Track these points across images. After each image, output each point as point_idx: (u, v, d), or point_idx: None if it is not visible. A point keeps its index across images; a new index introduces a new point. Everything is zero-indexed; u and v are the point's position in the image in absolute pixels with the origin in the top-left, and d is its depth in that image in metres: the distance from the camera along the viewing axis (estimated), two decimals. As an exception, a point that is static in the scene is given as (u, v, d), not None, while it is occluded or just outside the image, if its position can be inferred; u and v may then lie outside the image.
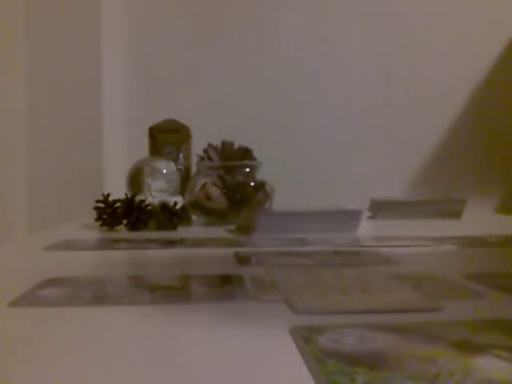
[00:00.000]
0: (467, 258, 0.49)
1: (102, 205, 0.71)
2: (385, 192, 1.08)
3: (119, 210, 0.71)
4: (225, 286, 0.34)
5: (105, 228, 0.71)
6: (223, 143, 0.84)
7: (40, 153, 1.02)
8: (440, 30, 1.17)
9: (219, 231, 0.70)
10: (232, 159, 0.82)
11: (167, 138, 0.88)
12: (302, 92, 1.17)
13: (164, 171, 0.78)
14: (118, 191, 0.78)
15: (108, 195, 0.72)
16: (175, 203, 0.72)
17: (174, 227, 0.71)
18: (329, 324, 0.25)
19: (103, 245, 0.58)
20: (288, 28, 1.16)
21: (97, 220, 0.71)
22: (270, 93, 1.16)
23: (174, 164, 0.81)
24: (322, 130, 1.17)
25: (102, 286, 0.34)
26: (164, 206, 0.72)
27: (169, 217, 0.71)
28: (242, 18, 1.16)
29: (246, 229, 0.67)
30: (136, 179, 0.78)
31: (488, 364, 0.19)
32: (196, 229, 0.75)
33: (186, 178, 0.86)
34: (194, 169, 0.87)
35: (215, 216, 0.78)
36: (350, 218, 0.67)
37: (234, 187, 0.78)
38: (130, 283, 0.36)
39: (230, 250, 0.51)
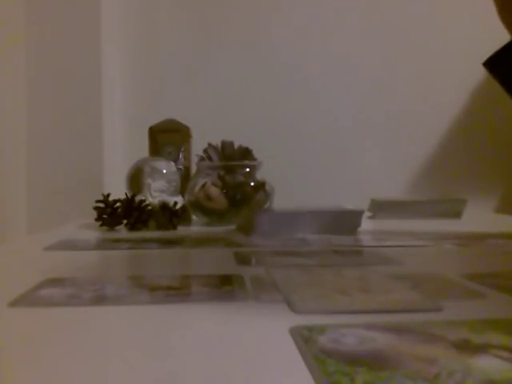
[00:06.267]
0: (467, 258, 0.49)
1: (101, 205, 0.71)
2: (385, 192, 1.08)
3: (119, 210, 0.71)
4: (225, 286, 0.34)
5: (105, 228, 0.71)
6: (223, 143, 0.84)
7: (40, 153, 1.02)
8: (440, 30, 1.17)
9: (219, 231, 0.70)
10: (232, 159, 0.82)
11: (167, 137, 0.88)
12: (302, 92, 1.17)
13: (164, 171, 0.78)
14: (118, 191, 0.78)
15: (108, 195, 0.72)
16: (175, 203, 0.72)
17: (174, 227, 0.71)
18: (329, 324, 0.25)
19: (103, 245, 0.58)
20: (289, 28, 1.16)
21: (97, 220, 0.71)
22: (270, 93, 1.16)
23: (174, 164, 0.81)
24: (322, 129, 1.17)
25: (102, 285, 0.34)
26: (164, 206, 0.72)
27: (169, 217, 0.71)
28: (242, 18, 1.16)
29: (246, 229, 0.67)
30: (136, 179, 0.78)
31: (488, 364, 0.19)
32: (196, 229, 0.75)
33: (185, 177, 0.86)
34: (194, 169, 0.87)
35: (215, 216, 0.78)
36: (351, 218, 0.67)
37: (234, 187, 0.78)
38: (130, 283, 0.36)
39: (230, 250, 0.51)
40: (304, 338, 0.22)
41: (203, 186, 0.78)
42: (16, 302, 0.30)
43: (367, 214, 0.88)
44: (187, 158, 0.89)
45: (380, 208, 0.90)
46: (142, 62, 1.15)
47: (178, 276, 0.39)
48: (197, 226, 0.77)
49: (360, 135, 1.17)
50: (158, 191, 0.76)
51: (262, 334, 0.24)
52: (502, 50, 0.48)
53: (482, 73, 1.16)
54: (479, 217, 0.96)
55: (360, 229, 0.67)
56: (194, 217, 0.81)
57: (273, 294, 0.32)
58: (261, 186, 0.79)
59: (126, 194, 0.73)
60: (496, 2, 0.48)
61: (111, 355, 0.22)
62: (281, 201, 0.81)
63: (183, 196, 0.80)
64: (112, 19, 1.09)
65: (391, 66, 1.18)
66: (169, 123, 0.90)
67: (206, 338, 0.24)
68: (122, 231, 0.70)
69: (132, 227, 0.70)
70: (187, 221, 0.79)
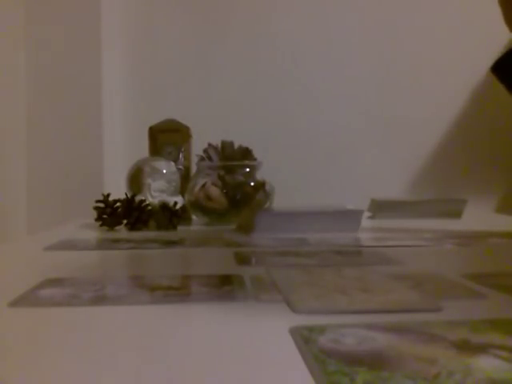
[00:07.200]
0: (467, 258, 0.49)
1: (101, 205, 0.71)
2: (385, 192, 1.08)
3: (119, 210, 0.71)
4: (225, 286, 0.34)
5: (105, 228, 0.71)
6: (223, 143, 0.84)
7: (40, 153, 1.02)
8: (440, 30, 1.17)
9: (219, 231, 0.70)
10: (232, 159, 0.82)
11: (167, 137, 0.88)
12: (302, 92, 1.17)
13: (164, 171, 0.78)
14: (118, 191, 0.78)
15: (108, 195, 0.72)
16: (175, 203, 0.72)
17: (174, 227, 0.71)
18: (329, 324, 0.25)
19: (103, 245, 0.58)
20: (289, 29, 1.16)
21: (97, 220, 0.71)
22: (270, 93, 1.16)
23: (174, 164, 0.81)
24: (322, 129, 1.17)
25: (102, 286, 0.34)
26: (164, 206, 0.72)
27: (169, 217, 0.71)
28: (242, 18, 1.16)
29: (246, 229, 0.67)
30: (136, 179, 0.78)
31: (488, 364, 0.19)
32: (196, 229, 0.75)
33: (186, 177, 0.86)
34: (194, 169, 0.87)
35: (215, 216, 0.78)
36: (351, 217, 0.67)
37: (234, 187, 0.78)
38: (130, 283, 0.36)
39: (230, 250, 0.51)
40: (304, 338, 0.22)
41: (203, 186, 0.78)
42: (16, 302, 0.30)
43: (367, 213, 0.88)
44: (187, 158, 0.89)
45: (380, 208, 0.90)
46: (142, 62, 1.15)
47: (178, 276, 0.39)
48: (197, 226, 0.77)
49: (360, 135, 1.17)
50: (158, 191, 0.76)
51: (262, 334, 0.24)
52: (507, 55, 0.47)
53: (481, 73, 1.16)
54: (479, 217, 0.96)
55: (360, 229, 0.67)
56: (194, 217, 0.81)
57: (273, 294, 0.32)
58: (261, 186, 0.79)
59: (126, 194, 0.73)
60: (502, 8, 0.48)
61: (111, 355, 0.21)
62: (281, 201, 0.81)
63: (183, 196, 0.80)
64: (112, 19, 1.09)
65: (391, 66, 1.18)
66: (169, 123, 0.90)
67: (206, 338, 0.24)
68: (122, 231, 0.70)
69: (132, 227, 0.70)
70: (187, 221, 0.79)
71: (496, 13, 0.53)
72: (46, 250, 0.52)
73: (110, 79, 1.06)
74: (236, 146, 0.83)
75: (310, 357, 0.20)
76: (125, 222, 0.71)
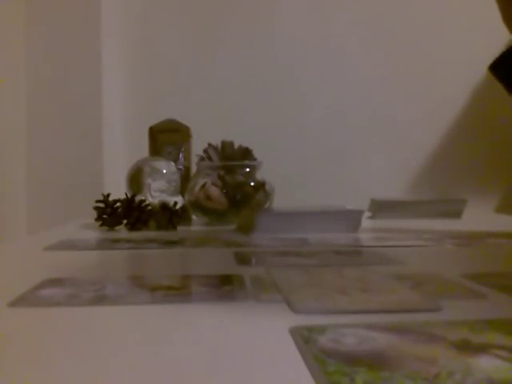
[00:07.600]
0: (467, 258, 0.49)
1: (101, 205, 0.71)
2: (385, 192, 1.08)
3: (119, 209, 0.71)
4: (225, 286, 0.34)
5: (105, 228, 0.71)
6: (223, 143, 0.84)
7: (40, 153, 1.02)
8: (440, 31, 1.17)
9: (219, 231, 0.70)
10: (232, 159, 0.82)
11: (167, 137, 0.88)
12: (303, 92, 1.17)
13: (164, 171, 0.78)
14: (118, 191, 0.78)
15: (108, 195, 0.72)
16: (175, 203, 0.72)
17: (174, 227, 0.71)
18: (329, 324, 0.25)
19: (103, 245, 0.58)
20: (288, 28, 1.16)
21: (97, 220, 0.71)
22: (270, 93, 1.16)
23: (174, 164, 0.81)
24: (322, 129, 1.17)
25: (101, 286, 0.34)
26: (164, 206, 0.72)
27: (169, 217, 0.71)
28: (242, 18, 1.16)
29: (246, 229, 0.67)
30: (136, 179, 0.78)
31: (488, 364, 0.19)
32: (196, 229, 0.75)
33: (186, 177, 0.86)
34: (194, 169, 0.87)
35: (215, 216, 0.78)
36: (351, 218, 0.67)
37: (234, 187, 0.78)
38: (130, 283, 0.36)
39: (230, 250, 0.51)
40: (304, 338, 0.22)
41: (203, 186, 0.78)
42: (16, 302, 0.30)
43: (367, 214, 0.88)
44: (187, 158, 0.89)
45: (380, 208, 0.90)
46: (142, 62, 1.15)
47: (178, 276, 0.39)
48: (197, 226, 0.77)
49: (359, 135, 1.17)
50: (158, 191, 0.76)
51: (262, 334, 0.24)
52: (506, 54, 0.47)
53: (481, 73, 1.16)
54: (479, 217, 0.96)
55: (360, 229, 0.67)
56: (194, 217, 0.81)
57: (273, 294, 0.32)
58: (261, 186, 0.79)
59: (126, 194, 0.73)
60: (500, 7, 0.48)
61: (111, 355, 0.22)
62: (281, 201, 0.81)
63: (183, 196, 0.80)
64: (112, 19, 1.09)
65: (392, 66, 1.18)
66: (169, 123, 0.90)
67: (206, 338, 0.24)
68: (122, 231, 0.70)
69: (132, 227, 0.70)
70: (187, 221, 0.79)
71: (496, 12, 0.52)
72: (45, 249, 0.52)
73: (110, 79, 1.06)
74: (236, 146, 0.83)
75: (310, 357, 0.20)
76: (125, 222, 0.71)
